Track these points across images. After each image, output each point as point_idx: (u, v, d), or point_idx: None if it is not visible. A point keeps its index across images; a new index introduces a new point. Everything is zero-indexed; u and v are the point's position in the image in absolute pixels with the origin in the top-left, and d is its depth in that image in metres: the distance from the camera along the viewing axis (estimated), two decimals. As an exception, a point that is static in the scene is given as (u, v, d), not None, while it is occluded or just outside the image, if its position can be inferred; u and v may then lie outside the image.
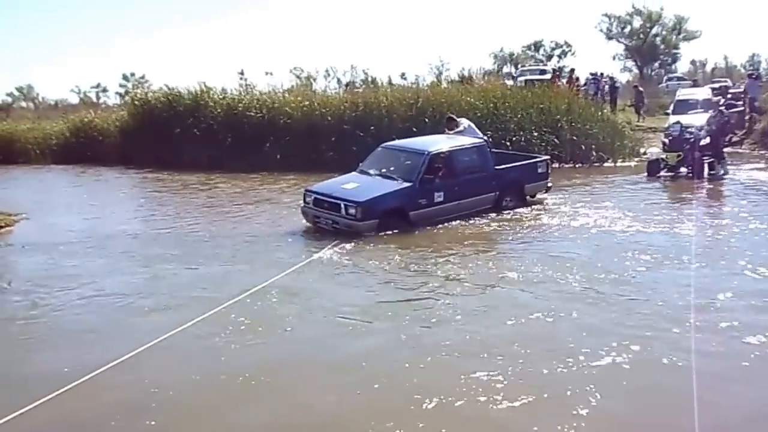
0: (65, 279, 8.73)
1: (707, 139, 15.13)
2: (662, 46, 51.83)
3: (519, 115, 18.36)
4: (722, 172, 15.04)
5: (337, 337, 6.40)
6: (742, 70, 37.64)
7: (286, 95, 22.09)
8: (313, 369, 5.75)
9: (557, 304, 6.97)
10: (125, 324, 7.04)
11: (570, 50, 57.40)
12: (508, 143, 17.19)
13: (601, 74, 29.33)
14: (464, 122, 13.26)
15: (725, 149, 15.84)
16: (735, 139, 20.43)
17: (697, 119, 17.44)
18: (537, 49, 58.21)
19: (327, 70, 32.84)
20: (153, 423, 4.91)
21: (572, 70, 28.20)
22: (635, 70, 53.35)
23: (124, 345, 6.00)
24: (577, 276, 7.92)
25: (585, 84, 26.34)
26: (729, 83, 31.49)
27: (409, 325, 6.60)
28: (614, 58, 54.89)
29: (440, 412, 4.87)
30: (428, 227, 10.66)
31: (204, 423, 4.99)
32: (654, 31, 51.09)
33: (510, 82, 28.70)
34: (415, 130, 16.71)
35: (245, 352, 6.12)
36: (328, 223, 10.66)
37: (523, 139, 17.74)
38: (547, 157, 13.53)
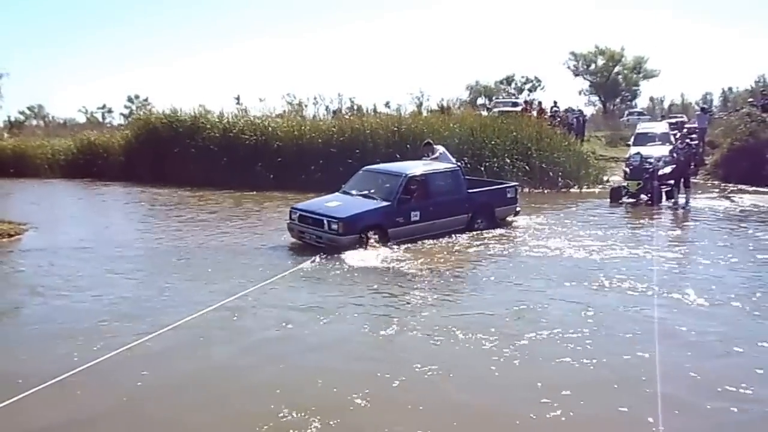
0: (51, 285, 8.57)
1: (668, 169, 15.13)
2: (623, 84, 52.41)
3: (493, 143, 18.35)
4: (683, 200, 14.88)
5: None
6: (696, 107, 37.99)
7: (278, 120, 21.95)
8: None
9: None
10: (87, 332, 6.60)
11: (540, 85, 57.95)
12: (482, 168, 17.19)
13: (580, 110, 29.70)
14: (440, 148, 13.24)
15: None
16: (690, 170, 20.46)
17: (655, 151, 17.49)
18: (509, 83, 58.60)
19: (316, 98, 32.93)
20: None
21: (539, 103, 28.26)
22: (599, 105, 53.85)
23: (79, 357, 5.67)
24: (535, 286, 7.86)
25: (552, 115, 26.27)
26: (685, 118, 31.76)
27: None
28: (580, 93, 55.48)
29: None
30: (407, 244, 10.47)
31: None
32: (616, 69, 51.63)
33: (485, 113, 28.64)
34: (398, 156, 16.61)
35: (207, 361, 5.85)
36: (312, 237, 10.49)
37: (496, 165, 17.72)
38: (516, 183, 13.43)
